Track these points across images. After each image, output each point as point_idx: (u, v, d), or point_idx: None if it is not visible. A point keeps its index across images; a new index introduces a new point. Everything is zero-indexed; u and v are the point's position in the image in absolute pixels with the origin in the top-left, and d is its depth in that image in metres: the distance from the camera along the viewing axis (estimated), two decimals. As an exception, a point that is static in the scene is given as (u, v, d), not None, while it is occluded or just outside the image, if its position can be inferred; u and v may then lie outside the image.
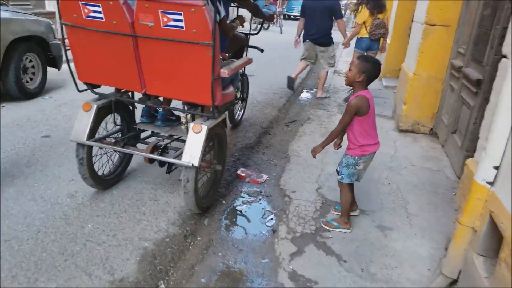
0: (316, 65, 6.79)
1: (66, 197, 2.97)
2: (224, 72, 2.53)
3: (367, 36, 6.09)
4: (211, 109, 2.64)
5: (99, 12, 2.36)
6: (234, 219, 2.93)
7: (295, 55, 10.45)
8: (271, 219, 2.91)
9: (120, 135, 3.10)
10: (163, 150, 2.87)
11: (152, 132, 3.29)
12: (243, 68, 4.03)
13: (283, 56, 10.20)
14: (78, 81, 2.76)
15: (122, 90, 2.90)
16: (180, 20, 2.25)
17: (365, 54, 6.21)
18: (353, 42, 6.47)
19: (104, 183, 3.06)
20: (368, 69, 2.54)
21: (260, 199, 3.20)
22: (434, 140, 4.79)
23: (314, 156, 2.79)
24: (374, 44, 6.18)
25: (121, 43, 2.45)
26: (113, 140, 2.98)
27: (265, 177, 3.55)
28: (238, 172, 3.56)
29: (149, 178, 3.33)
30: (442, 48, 4.63)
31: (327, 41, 6.08)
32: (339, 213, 2.95)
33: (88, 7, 2.38)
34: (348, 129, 2.67)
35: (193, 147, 2.50)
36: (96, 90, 2.86)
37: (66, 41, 2.62)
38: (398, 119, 5.12)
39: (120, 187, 3.16)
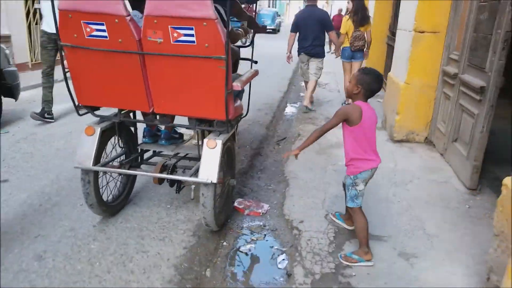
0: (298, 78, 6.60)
1: (32, 260, 2.42)
2: (237, 85, 2.52)
3: (348, 45, 6.27)
4: (222, 124, 2.58)
5: (103, 30, 2.27)
6: (240, 265, 2.53)
7: (271, 68, 10.28)
8: (283, 259, 2.55)
9: (123, 158, 3.00)
10: (173, 169, 2.81)
11: (154, 152, 3.22)
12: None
13: (259, 69, 9.93)
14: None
15: (123, 111, 2.77)
16: (191, 35, 2.20)
17: (351, 62, 6.38)
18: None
19: (110, 209, 2.89)
20: (366, 82, 2.43)
21: (265, 235, 2.84)
22: (431, 149, 4.59)
23: (284, 156, 2.82)
24: (356, 54, 6.34)
25: (127, 61, 2.36)
26: (117, 164, 2.87)
27: (266, 207, 3.20)
28: (235, 204, 3.19)
29: (132, 224, 2.86)
30: (432, 55, 4.47)
31: (321, 52, 6.10)
32: (335, 219, 2.92)
33: (90, 25, 2.28)
34: (344, 143, 2.55)
35: (209, 163, 2.44)
36: (96, 112, 2.75)
37: (65, 62, 2.51)
38: (391, 130, 4.91)
39: (99, 238, 2.66)
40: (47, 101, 5.01)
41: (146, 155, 3.24)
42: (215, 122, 2.72)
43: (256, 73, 3.11)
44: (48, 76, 4.98)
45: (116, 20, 2.22)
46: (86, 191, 2.64)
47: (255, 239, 2.79)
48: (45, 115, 5.00)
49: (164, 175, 2.70)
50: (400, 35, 5.04)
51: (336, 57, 6.71)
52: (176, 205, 3.13)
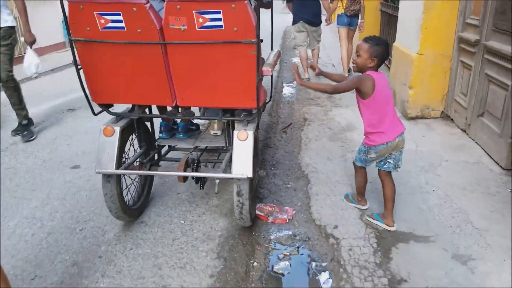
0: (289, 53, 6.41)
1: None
2: (268, 70, 2.40)
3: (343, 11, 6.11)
4: (246, 112, 2.49)
5: (120, 21, 2.08)
6: (279, 289, 2.19)
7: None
8: (328, 278, 2.21)
9: (143, 157, 2.79)
10: (197, 165, 2.62)
11: (169, 146, 3.04)
12: None
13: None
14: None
15: (137, 106, 2.55)
16: (219, 19, 2.02)
17: (347, 28, 6.22)
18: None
19: (132, 214, 2.70)
20: (380, 53, 2.34)
21: (298, 247, 2.49)
22: (449, 124, 4.28)
23: (294, 67, 2.59)
24: (353, 20, 6.15)
25: (147, 53, 2.18)
26: (137, 164, 2.71)
27: (290, 211, 2.84)
28: (256, 211, 2.82)
29: (144, 249, 2.45)
30: (446, 22, 4.09)
31: (319, 21, 6.13)
32: (373, 221, 2.67)
33: (105, 17, 2.08)
34: (360, 114, 2.52)
35: (242, 156, 2.30)
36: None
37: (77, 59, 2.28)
38: (403, 106, 4.57)
39: (109, 273, 2.24)
40: (22, 112, 4.21)
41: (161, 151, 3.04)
42: (237, 111, 2.60)
43: (279, 54, 2.93)
44: (7, 82, 3.98)
45: (134, 9, 2.03)
46: (109, 198, 2.44)
47: (288, 254, 2.44)
48: (30, 127, 4.27)
49: (193, 174, 2.54)
50: (407, 1, 4.62)
51: (327, 24, 6.51)
52: (190, 220, 2.74)
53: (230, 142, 2.64)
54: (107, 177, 2.40)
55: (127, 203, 2.64)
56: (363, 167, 2.67)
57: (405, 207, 2.81)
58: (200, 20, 2.04)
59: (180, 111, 2.59)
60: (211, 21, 2.03)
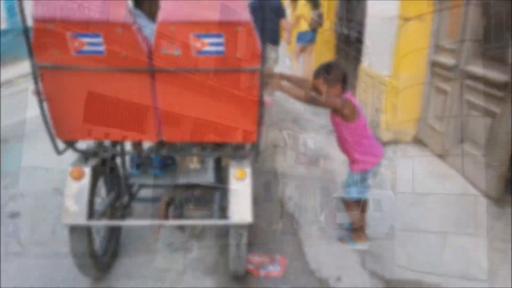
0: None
1: None
2: (269, 99, 2.14)
3: (308, 28, 6.16)
4: (237, 146, 2.24)
5: (98, 44, 1.81)
6: None
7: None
8: None
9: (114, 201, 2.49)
10: (182, 207, 2.40)
11: (139, 185, 2.77)
12: None
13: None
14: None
15: (106, 142, 2.28)
16: (220, 44, 1.82)
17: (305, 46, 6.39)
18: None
19: (103, 265, 2.33)
20: (337, 76, 2.27)
21: (302, 309, 2.14)
22: (423, 149, 4.19)
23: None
24: (314, 35, 6.28)
25: (130, 81, 1.93)
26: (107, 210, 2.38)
27: (283, 260, 2.48)
28: (245, 263, 2.43)
29: None
30: (419, 45, 4.00)
31: (277, 41, 6.06)
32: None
33: (81, 39, 1.80)
34: (342, 141, 2.43)
35: (241, 198, 2.08)
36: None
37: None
38: (376, 131, 4.42)
39: None
40: None
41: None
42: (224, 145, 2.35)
43: None
44: None
45: (119, 30, 1.76)
46: (77, 252, 2.09)
47: (293, 319, 2.07)
48: None
49: (183, 222, 2.38)
50: (375, 23, 4.53)
51: (288, 44, 6.49)
52: (169, 281, 2.28)
53: (220, 179, 2.40)
54: (75, 229, 2.06)
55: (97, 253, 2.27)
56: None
57: (406, 248, 2.58)
58: (198, 44, 1.81)
59: (162, 146, 2.23)
60: (210, 45, 1.81)
